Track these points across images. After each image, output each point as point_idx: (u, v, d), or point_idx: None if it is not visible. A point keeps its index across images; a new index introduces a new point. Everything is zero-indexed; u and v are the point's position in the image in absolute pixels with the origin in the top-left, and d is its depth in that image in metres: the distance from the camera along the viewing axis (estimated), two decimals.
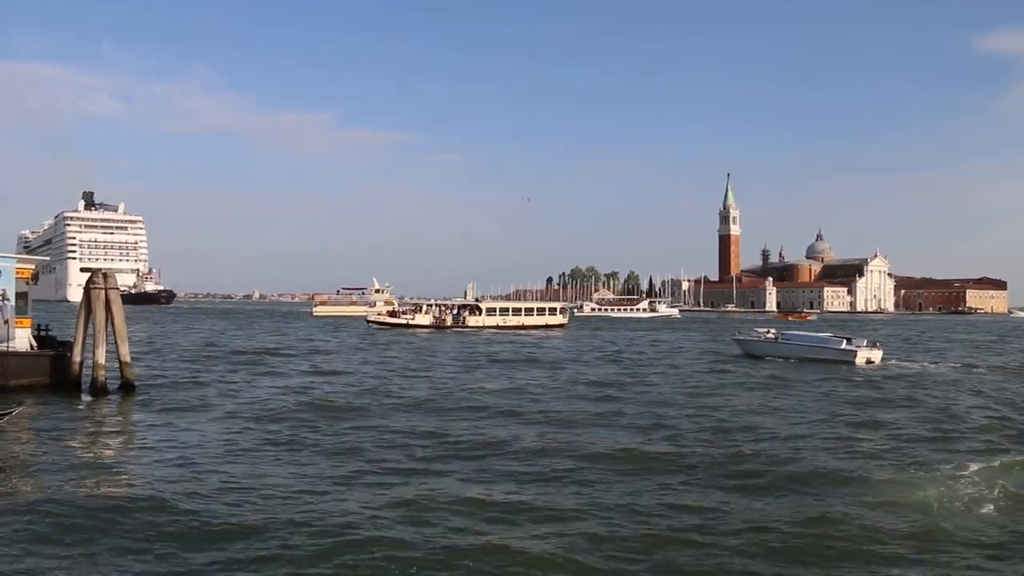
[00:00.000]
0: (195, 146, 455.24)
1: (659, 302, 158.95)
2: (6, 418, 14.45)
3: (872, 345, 36.91)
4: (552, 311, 78.51)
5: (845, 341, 36.91)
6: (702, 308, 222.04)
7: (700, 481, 12.66)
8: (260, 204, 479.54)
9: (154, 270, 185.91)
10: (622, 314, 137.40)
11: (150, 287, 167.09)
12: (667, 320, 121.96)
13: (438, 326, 67.37)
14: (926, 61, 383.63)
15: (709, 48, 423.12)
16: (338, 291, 75.31)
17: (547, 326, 73.29)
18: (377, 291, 73.08)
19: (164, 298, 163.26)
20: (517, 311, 74.97)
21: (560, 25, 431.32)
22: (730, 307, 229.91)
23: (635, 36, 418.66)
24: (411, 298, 78.18)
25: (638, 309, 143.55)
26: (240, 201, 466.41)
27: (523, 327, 70.44)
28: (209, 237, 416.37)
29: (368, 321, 71.02)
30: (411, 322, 67.80)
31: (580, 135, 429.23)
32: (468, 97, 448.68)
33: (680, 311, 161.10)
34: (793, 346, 38.39)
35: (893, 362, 37.08)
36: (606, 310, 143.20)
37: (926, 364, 37.35)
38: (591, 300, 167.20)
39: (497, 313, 72.39)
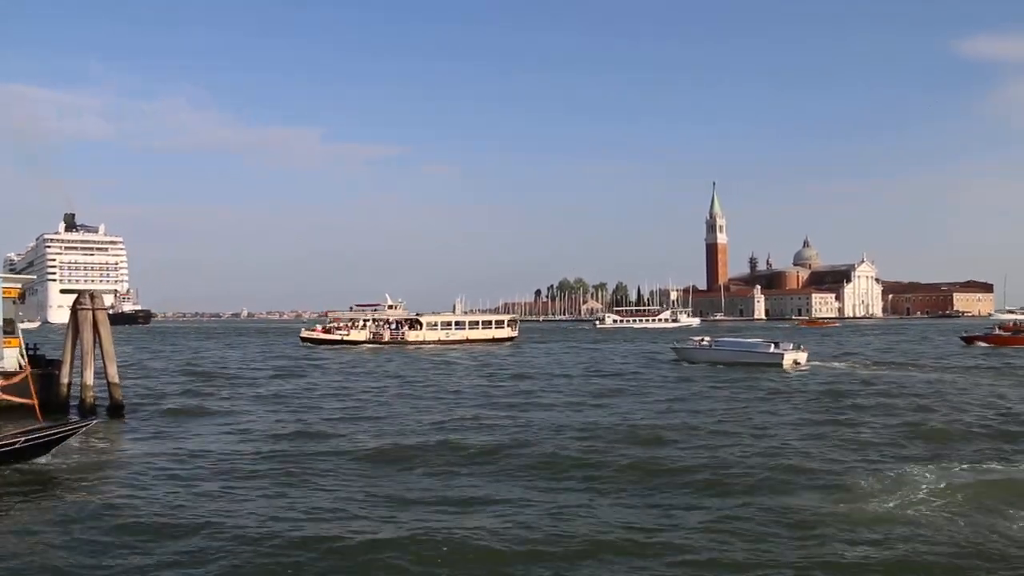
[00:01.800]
0: (181, 162, 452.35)
1: (681, 312, 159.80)
2: (83, 429, 14.02)
3: (797, 348, 38.88)
4: (500, 324, 76.04)
5: (773, 345, 38.99)
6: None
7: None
8: (246, 218, 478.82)
9: (131, 290, 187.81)
10: (644, 324, 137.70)
11: (128, 307, 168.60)
12: (687, 329, 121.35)
13: (375, 342, 65.29)
14: (911, 64, 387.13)
15: (699, 50, 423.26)
16: (351, 307, 74.52)
17: (494, 340, 70.38)
18: (391, 306, 72.57)
19: (142, 318, 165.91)
20: (461, 325, 72.42)
21: (557, 28, 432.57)
22: (719, 316, 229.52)
23: (633, 38, 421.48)
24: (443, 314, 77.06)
25: (660, 319, 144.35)
26: (226, 216, 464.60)
27: (468, 341, 67.85)
28: (196, 250, 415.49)
29: (301, 338, 68.85)
30: (346, 338, 65.65)
31: (573, 138, 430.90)
32: (456, 105, 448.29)
33: (701, 320, 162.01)
34: (726, 351, 40.63)
35: (834, 364, 39.30)
36: (628, 321, 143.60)
37: (845, 365, 39.46)
38: (608, 311, 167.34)
39: (439, 327, 69.54)
